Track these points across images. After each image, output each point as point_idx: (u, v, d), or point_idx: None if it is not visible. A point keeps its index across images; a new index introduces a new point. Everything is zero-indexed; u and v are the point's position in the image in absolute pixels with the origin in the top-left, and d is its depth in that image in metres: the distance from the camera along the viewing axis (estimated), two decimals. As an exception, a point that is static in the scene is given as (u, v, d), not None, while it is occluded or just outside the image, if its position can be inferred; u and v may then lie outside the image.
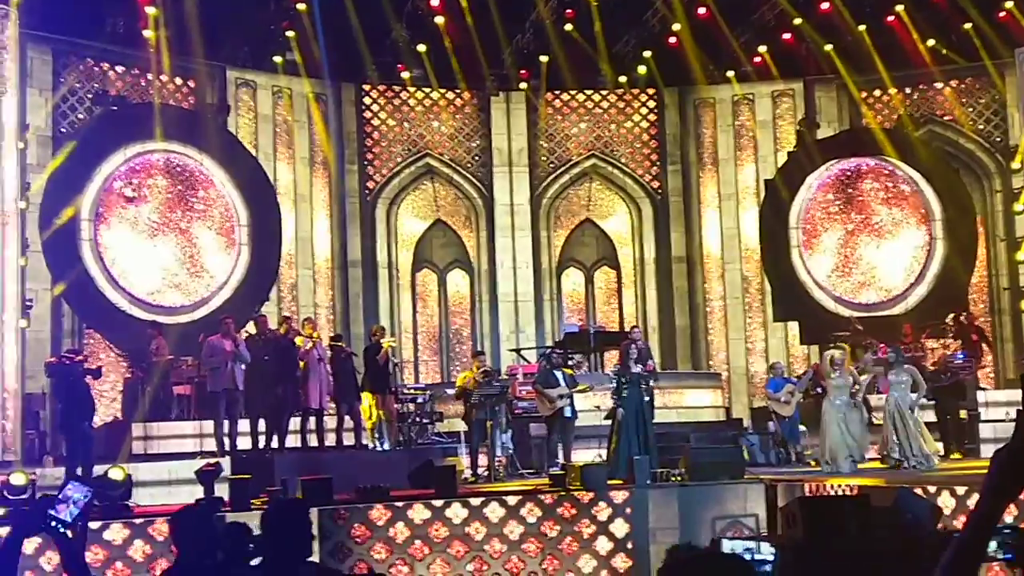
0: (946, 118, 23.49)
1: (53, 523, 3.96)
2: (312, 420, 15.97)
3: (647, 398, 15.75)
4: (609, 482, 13.58)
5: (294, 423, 15.96)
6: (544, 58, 23.12)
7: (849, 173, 23.62)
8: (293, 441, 15.95)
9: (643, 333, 21.22)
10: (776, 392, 17.78)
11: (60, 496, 4.00)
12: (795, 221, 23.22)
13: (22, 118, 17.88)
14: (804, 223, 23.34)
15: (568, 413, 15.87)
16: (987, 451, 15.79)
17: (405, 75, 23.35)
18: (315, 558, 6.34)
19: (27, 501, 8.19)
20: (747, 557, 6.27)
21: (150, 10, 19.48)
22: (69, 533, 3.99)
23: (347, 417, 16.26)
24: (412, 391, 18.34)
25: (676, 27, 22.17)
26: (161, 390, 17.22)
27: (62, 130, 19.54)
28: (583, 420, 16.48)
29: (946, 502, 10.68)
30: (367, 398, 16.30)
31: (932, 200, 23.03)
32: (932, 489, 11.01)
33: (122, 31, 20.30)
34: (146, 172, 20.31)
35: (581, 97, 24.51)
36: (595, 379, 17.86)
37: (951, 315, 20.43)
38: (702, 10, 21.67)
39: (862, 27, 22.16)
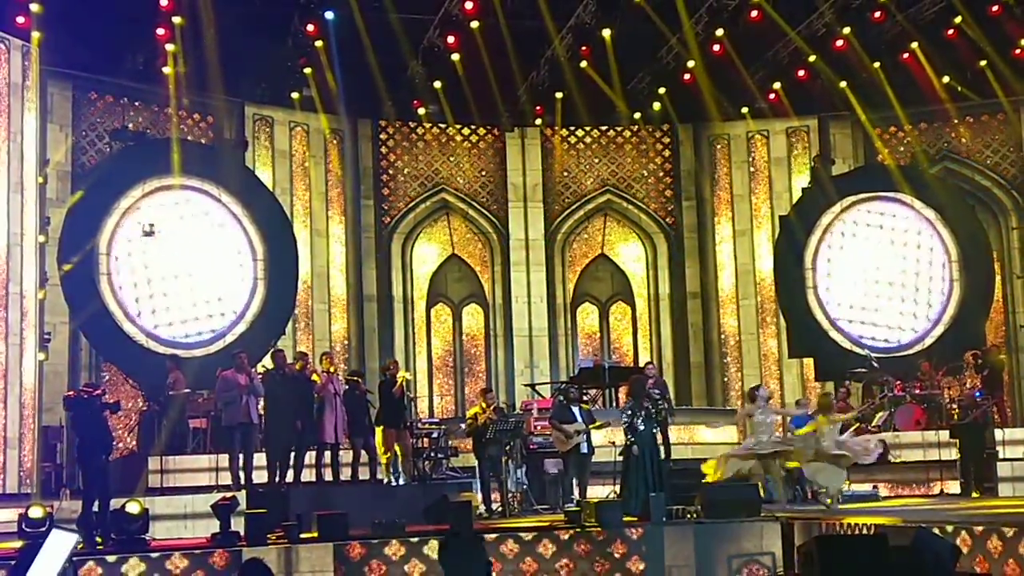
0: (962, 155, 23.52)
1: None
2: (327, 455, 15.98)
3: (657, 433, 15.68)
4: (624, 519, 13.51)
5: (309, 457, 15.97)
6: (559, 94, 23.26)
7: (864, 212, 23.55)
8: (308, 476, 15.96)
9: (657, 369, 21.18)
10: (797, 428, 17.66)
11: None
12: (810, 261, 23.12)
13: (42, 153, 18.06)
14: (819, 262, 23.22)
15: (584, 449, 15.83)
16: (1005, 490, 15.67)
17: (421, 111, 23.54)
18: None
19: (16, 551, 8.09)
20: None
21: (169, 47, 19.70)
22: None
23: (362, 452, 16.25)
24: (426, 426, 18.30)
25: (691, 64, 22.28)
26: (178, 423, 17.24)
27: (81, 165, 19.71)
28: (597, 456, 16.42)
29: (964, 541, 10.60)
30: (380, 433, 16.26)
31: (948, 239, 22.96)
32: (949, 529, 10.93)
33: (141, 67, 20.51)
34: (164, 207, 20.40)
35: (596, 133, 24.63)
36: (611, 415, 17.78)
37: (969, 352, 20.31)
38: (717, 47, 21.78)
39: (877, 64, 22.24)
